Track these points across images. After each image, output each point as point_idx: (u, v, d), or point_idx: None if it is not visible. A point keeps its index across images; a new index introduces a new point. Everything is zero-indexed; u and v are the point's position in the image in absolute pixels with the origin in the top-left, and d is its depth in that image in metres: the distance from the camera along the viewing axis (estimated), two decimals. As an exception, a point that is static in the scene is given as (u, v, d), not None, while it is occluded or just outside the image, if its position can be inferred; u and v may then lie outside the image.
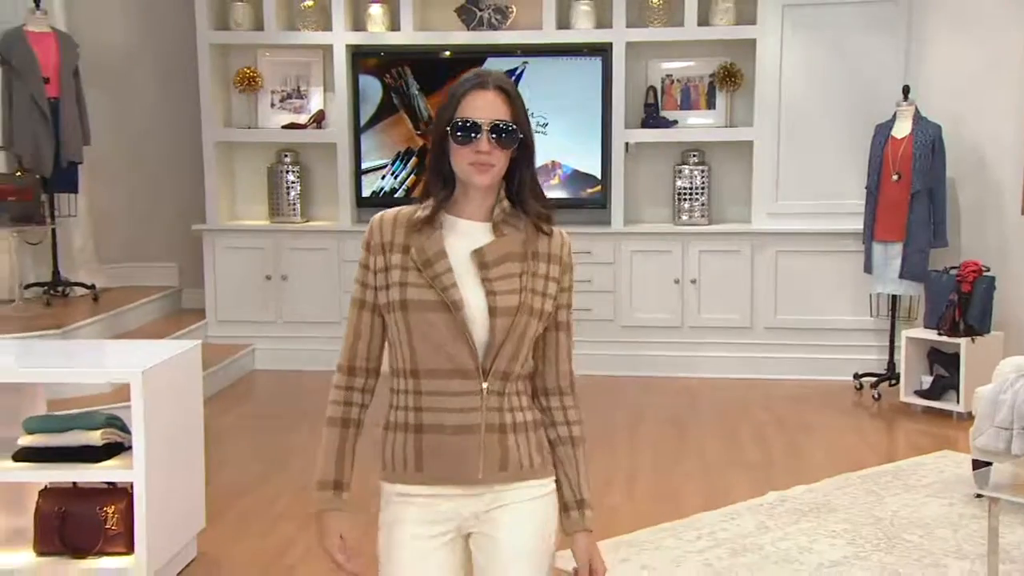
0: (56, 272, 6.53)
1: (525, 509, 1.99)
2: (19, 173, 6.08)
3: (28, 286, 6.40)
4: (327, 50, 6.82)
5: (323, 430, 2.03)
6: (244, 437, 5.45)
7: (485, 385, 1.93)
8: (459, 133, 1.94)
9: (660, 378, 6.52)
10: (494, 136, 1.93)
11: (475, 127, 1.93)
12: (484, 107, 1.94)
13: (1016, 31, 5.82)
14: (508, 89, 1.98)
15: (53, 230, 6.46)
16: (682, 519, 4.17)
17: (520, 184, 1.99)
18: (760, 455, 5.10)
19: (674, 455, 5.11)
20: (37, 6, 6.23)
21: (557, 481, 2.03)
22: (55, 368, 3.71)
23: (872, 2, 6.33)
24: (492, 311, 1.92)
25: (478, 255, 1.95)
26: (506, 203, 1.99)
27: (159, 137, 7.21)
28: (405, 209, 2.01)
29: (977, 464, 4.28)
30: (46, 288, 6.46)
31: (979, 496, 4.12)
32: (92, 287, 6.65)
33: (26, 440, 3.51)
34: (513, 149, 1.96)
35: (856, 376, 6.21)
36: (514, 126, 1.95)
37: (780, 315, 6.54)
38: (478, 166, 1.93)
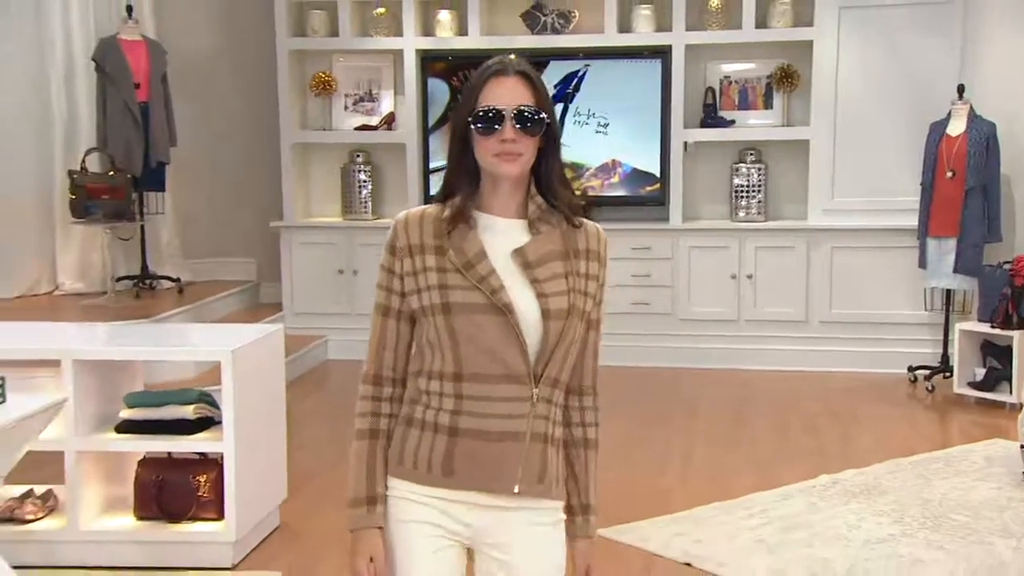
0: (145, 266, 6.88)
1: (541, 533, 1.89)
2: (112, 173, 6.39)
3: (119, 279, 6.74)
4: (398, 55, 7.05)
5: (352, 444, 1.91)
6: (320, 422, 5.69)
7: (536, 391, 1.82)
8: (481, 123, 1.80)
9: (717, 370, 6.63)
10: (519, 123, 1.79)
11: (498, 115, 1.79)
12: (506, 94, 1.81)
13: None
14: (530, 74, 1.84)
15: (142, 227, 6.80)
16: (735, 499, 4.31)
17: (548, 174, 1.86)
18: (813, 443, 5.21)
19: (729, 442, 5.24)
20: (129, 15, 6.57)
21: (564, 484, 1.93)
22: (155, 347, 3.98)
23: (927, 4, 6.38)
24: (545, 313, 1.80)
25: (520, 255, 1.82)
26: (540, 199, 1.86)
27: (240, 139, 7.52)
28: (430, 208, 1.88)
29: (1025, 450, 4.35)
30: (135, 281, 6.81)
31: (1026, 479, 4.20)
32: (177, 280, 6.98)
33: (127, 414, 3.79)
34: (540, 137, 1.83)
35: (910, 369, 6.27)
36: (540, 112, 1.81)
37: (835, 309, 6.62)
38: (504, 156, 1.80)
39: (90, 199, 6.32)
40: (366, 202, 7.19)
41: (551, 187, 1.86)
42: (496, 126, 1.79)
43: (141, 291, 6.76)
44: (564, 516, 1.93)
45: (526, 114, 1.80)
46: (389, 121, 7.18)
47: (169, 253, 7.26)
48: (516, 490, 1.83)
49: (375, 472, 1.89)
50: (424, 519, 1.86)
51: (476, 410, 1.81)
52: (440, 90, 7.01)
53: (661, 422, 5.49)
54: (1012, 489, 4.33)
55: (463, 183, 1.85)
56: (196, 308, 6.60)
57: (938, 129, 6.04)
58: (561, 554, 1.93)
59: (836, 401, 5.96)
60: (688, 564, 3.69)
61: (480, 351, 1.80)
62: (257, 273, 7.66)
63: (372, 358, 1.92)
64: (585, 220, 1.90)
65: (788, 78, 6.70)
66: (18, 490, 3.88)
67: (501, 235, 1.84)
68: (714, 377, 6.52)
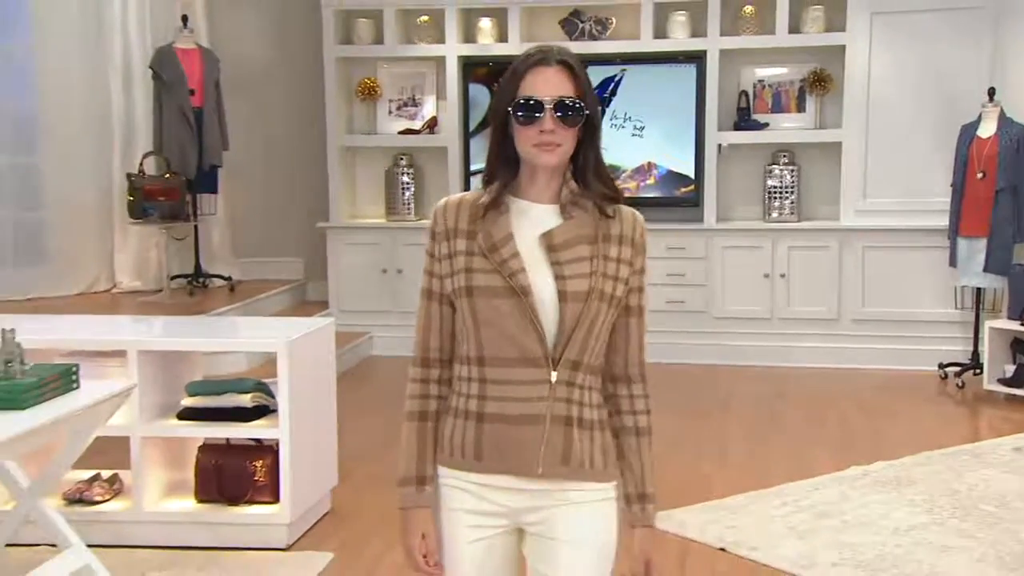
0: (198, 265, 7.05)
1: (585, 511, 1.85)
2: (168, 175, 6.59)
3: (173, 277, 6.92)
4: (440, 61, 7.18)
5: (402, 425, 1.93)
6: (366, 414, 5.80)
7: (554, 375, 1.80)
8: (521, 113, 1.78)
9: (751, 367, 6.70)
10: (559, 114, 1.78)
11: (538, 105, 1.77)
12: (546, 84, 1.78)
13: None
14: (571, 63, 1.82)
15: (195, 227, 6.97)
16: (768, 488, 4.39)
17: (584, 164, 1.84)
18: (844, 435, 5.27)
19: (762, 434, 5.31)
20: (185, 25, 6.76)
21: (620, 472, 1.89)
22: (217, 339, 4.14)
23: (958, 9, 6.41)
24: (562, 296, 1.78)
25: (546, 238, 1.81)
26: (574, 184, 1.84)
27: (288, 142, 7.70)
28: (469, 194, 1.89)
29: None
30: (189, 279, 6.98)
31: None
32: (229, 279, 7.15)
33: (188, 402, 3.93)
34: (579, 128, 1.81)
35: (941, 366, 6.30)
36: (580, 102, 1.80)
37: (867, 307, 6.67)
38: (543, 146, 1.79)
39: (147, 200, 6.52)
40: (409, 203, 7.32)
41: (585, 178, 1.84)
42: (536, 116, 1.78)
43: (194, 289, 6.93)
44: (611, 496, 1.88)
45: (566, 105, 1.78)
46: (431, 125, 7.30)
47: (221, 253, 7.44)
48: (540, 471, 1.81)
49: (424, 452, 1.90)
50: (466, 507, 1.87)
51: (498, 394, 1.82)
52: (481, 95, 7.12)
53: (697, 416, 5.57)
54: (1040, 481, 4.37)
55: (502, 170, 1.85)
56: (247, 305, 6.75)
57: (969, 131, 6.08)
58: (608, 532, 1.88)
59: (867, 397, 6.01)
60: (723, 549, 3.78)
61: (498, 335, 1.80)
62: (304, 272, 7.82)
63: (419, 341, 1.92)
64: (622, 207, 1.87)
65: (821, 82, 6.75)
66: (86, 474, 4.05)
67: (533, 220, 1.83)
68: (748, 373, 6.58)
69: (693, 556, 3.77)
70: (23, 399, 2.94)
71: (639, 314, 1.89)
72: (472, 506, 1.87)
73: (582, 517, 1.85)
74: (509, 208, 1.84)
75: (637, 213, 1.89)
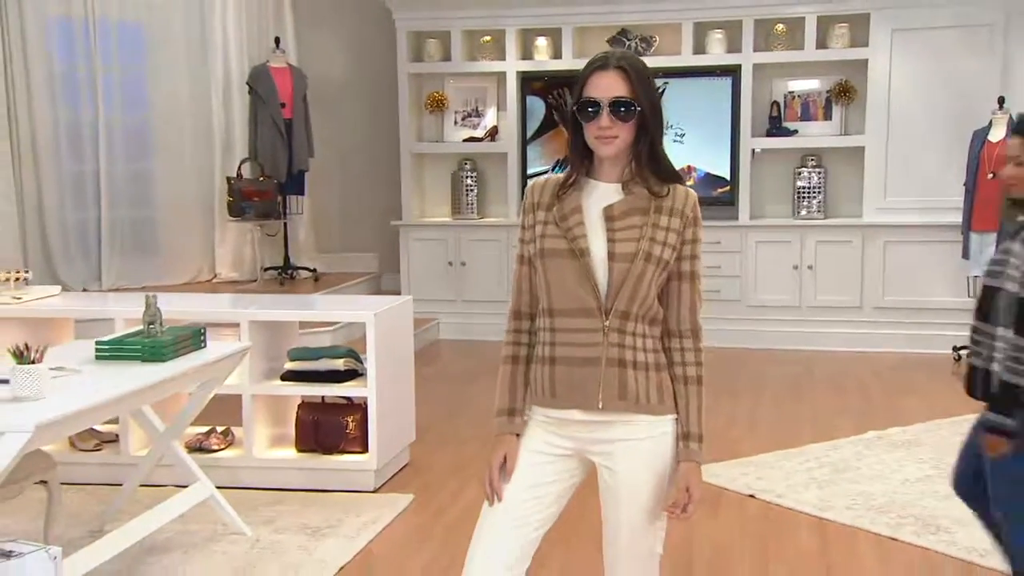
0: (287, 258, 7.43)
1: (642, 448, 2.03)
2: (261, 179, 6.98)
3: (266, 269, 7.32)
4: (501, 76, 7.49)
5: (499, 367, 2.14)
6: (435, 386, 6.14)
7: (606, 323, 1.98)
8: (583, 111, 1.99)
9: (780, 350, 6.92)
10: (614, 111, 1.96)
11: (596, 105, 1.97)
12: (604, 86, 1.97)
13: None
14: (627, 67, 1.98)
15: (285, 224, 7.37)
16: (793, 448, 4.64)
17: (639, 152, 2.01)
18: (864, 408, 5.49)
19: (789, 405, 5.55)
20: (277, 46, 7.17)
21: (664, 403, 2.05)
22: (316, 311, 4.49)
23: (972, 26, 6.60)
24: (611, 256, 1.98)
25: (607, 211, 2.00)
26: (635, 166, 2.02)
27: (365, 149, 8.08)
28: (555, 176, 2.09)
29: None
30: (279, 271, 7.36)
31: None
32: (313, 271, 7.53)
33: (289, 365, 4.28)
34: (635, 122, 1.99)
35: (954, 348, 6.48)
36: (632, 102, 1.97)
37: (887, 296, 6.86)
38: (602, 139, 1.98)
39: (244, 201, 6.91)
40: (472, 204, 7.62)
41: (640, 164, 2.03)
42: (594, 114, 1.98)
43: (284, 279, 7.31)
44: (668, 430, 2.05)
45: (619, 105, 1.97)
46: (492, 134, 7.61)
47: (306, 248, 7.83)
48: (600, 406, 2.01)
49: (515, 389, 2.11)
50: (545, 429, 2.08)
51: (564, 340, 2.02)
52: (537, 106, 7.42)
53: (731, 391, 5.83)
54: (1038, 444, 4.56)
55: (580, 156, 2.06)
56: (329, 293, 7.10)
57: (980, 136, 6.25)
58: (662, 465, 2.05)
59: (886, 376, 6.21)
60: (751, 495, 4.05)
61: (563, 289, 2.01)
62: (379, 265, 8.19)
63: (512, 298, 2.15)
64: (678, 187, 2.04)
65: (846, 92, 6.96)
66: (203, 428, 4.43)
67: (600, 196, 2.04)
68: (778, 356, 6.81)
69: (725, 500, 4.05)
70: (163, 353, 3.32)
71: (691, 279, 2.06)
72: (550, 429, 2.08)
73: (640, 455, 2.04)
74: (582, 186, 2.05)
75: (691, 191, 2.07)
